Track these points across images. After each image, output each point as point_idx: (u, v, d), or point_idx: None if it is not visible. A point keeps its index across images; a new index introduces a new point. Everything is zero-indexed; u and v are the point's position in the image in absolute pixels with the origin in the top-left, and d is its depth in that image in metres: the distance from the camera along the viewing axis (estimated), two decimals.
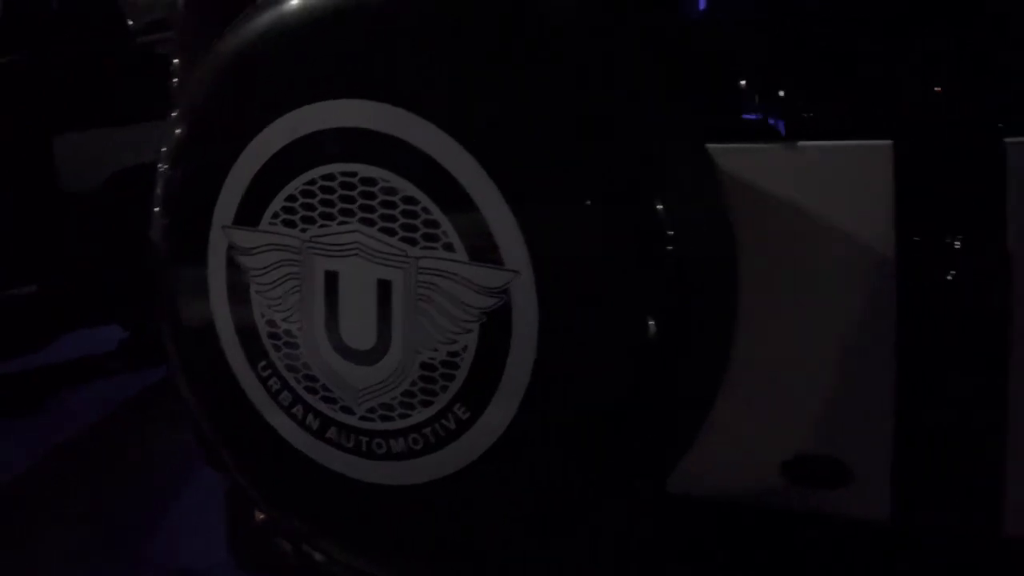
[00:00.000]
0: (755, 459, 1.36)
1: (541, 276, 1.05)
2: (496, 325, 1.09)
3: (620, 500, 1.20)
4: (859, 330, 1.27)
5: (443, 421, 1.16)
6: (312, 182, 1.17)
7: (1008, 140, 1.15)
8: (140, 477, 3.63)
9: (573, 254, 1.05)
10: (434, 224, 1.10)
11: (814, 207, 1.25)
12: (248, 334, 1.27)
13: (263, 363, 1.27)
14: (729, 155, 1.27)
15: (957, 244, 1.19)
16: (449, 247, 1.10)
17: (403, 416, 1.18)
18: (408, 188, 1.11)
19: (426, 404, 1.16)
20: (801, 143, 1.24)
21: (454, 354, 1.12)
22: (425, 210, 1.10)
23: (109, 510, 3.30)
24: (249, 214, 1.22)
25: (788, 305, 1.28)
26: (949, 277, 1.21)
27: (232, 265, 1.25)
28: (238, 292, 1.26)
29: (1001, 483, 1.25)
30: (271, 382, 1.27)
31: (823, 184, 1.24)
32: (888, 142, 1.19)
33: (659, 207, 1.07)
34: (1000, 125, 1.15)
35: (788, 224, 1.26)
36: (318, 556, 1.82)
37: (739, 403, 1.34)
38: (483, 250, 1.07)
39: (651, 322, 1.07)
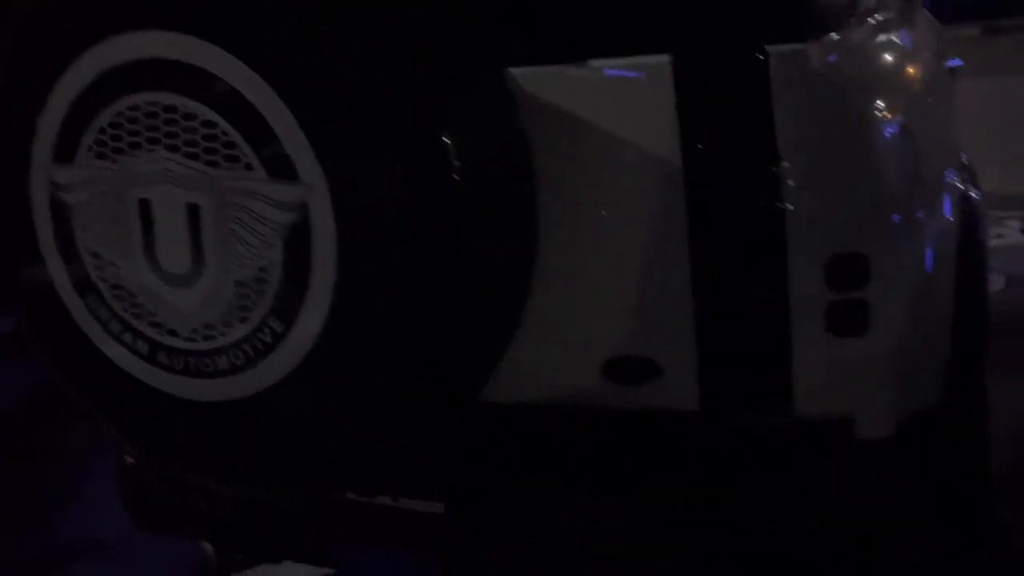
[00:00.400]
0: (573, 363, 1.46)
1: (335, 191, 1.12)
2: (298, 240, 1.16)
3: (431, 410, 1.28)
4: (655, 236, 1.37)
5: (260, 335, 1.23)
6: (120, 114, 1.22)
7: (771, 49, 1.26)
8: (51, 457, 3.62)
9: (363, 170, 1.13)
10: (233, 146, 1.16)
11: (608, 121, 1.34)
12: (76, 269, 1.32)
13: (93, 296, 1.32)
14: (527, 77, 1.35)
15: (733, 149, 1.30)
16: (249, 167, 1.17)
17: (224, 334, 1.25)
18: (207, 113, 1.17)
19: (243, 320, 1.23)
20: (590, 62, 1.33)
21: (263, 270, 1.19)
22: (224, 133, 1.17)
23: (18, 489, 3.30)
24: (65, 151, 1.27)
25: (589, 217, 1.38)
26: (729, 180, 1.31)
27: (55, 201, 1.30)
28: (63, 228, 1.31)
29: (789, 368, 1.37)
30: (101, 313, 1.32)
31: (613, 99, 1.34)
32: (666, 58, 1.29)
33: (445, 128, 1.15)
34: (764, 35, 1.26)
35: (586, 138, 1.35)
36: (203, 506, 1.88)
37: (555, 312, 1.44)
38: (278, 167, 1.14)
39: (444, 237, 1.15)
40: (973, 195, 1.81)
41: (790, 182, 1.28)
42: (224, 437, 1.32)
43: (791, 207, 1.29)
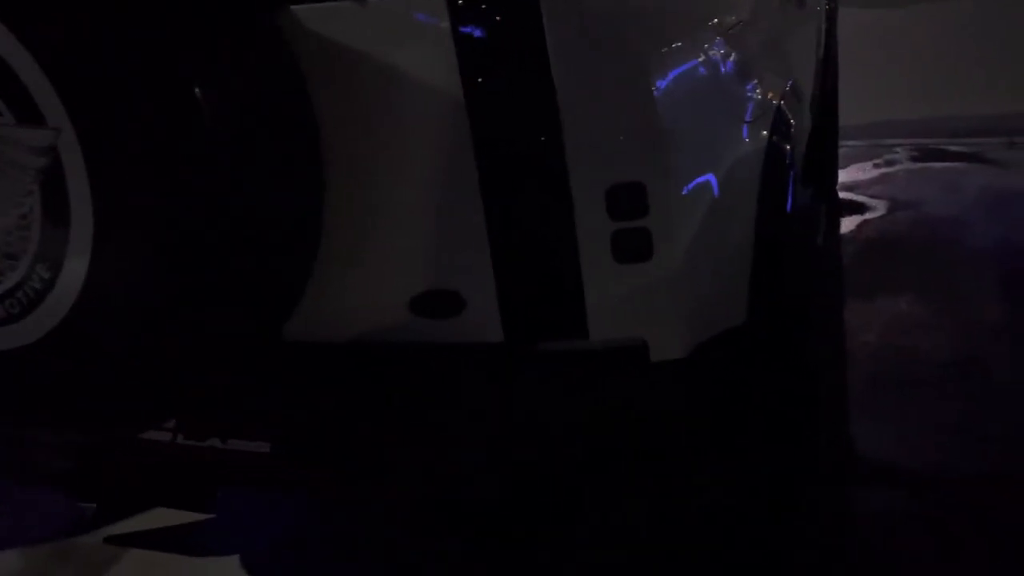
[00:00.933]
0: (380, 300, 1.48)
1: (83, 136, 1.12)
2: (54, 185, 1.15)
3: (226, 349, 1.30)
4: (444, 169, 1.38)
5: (31, 283, 1.22)
6: None
7: None
8: None
9: (109, 113, 1.12)
10: None
11: (388, 54, 1.34)
12: None
13: None
14: (306, 14, 1.34)
15: (511, 80, 1.31)
16: None
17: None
18: None
19: (14, 269, 1.22)
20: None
21: (24, 216, 1.18)
22: None
23: None
24: None
25: (377, 152, 1.38)
26: (509, 112, 1.33)
27: None
28: None
29: (582, 296, 1.41)
30: None
31: (391, 32, 1.34)
32: None
33: (195, 68, 1.14)
34: None
35: (368, 74, 1.35)
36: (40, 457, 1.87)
37: (356, 249, 1.45)
38: (26, 112, 1.13)
39: (199, 179, 1.16)
40: (789, 121, 1.86)
41: (566, 112, 1.31)
42: (14, 385, 1.32)
43: (569, 138, 1.32)
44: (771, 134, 1.75)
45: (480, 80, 1.31)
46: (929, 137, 5.06)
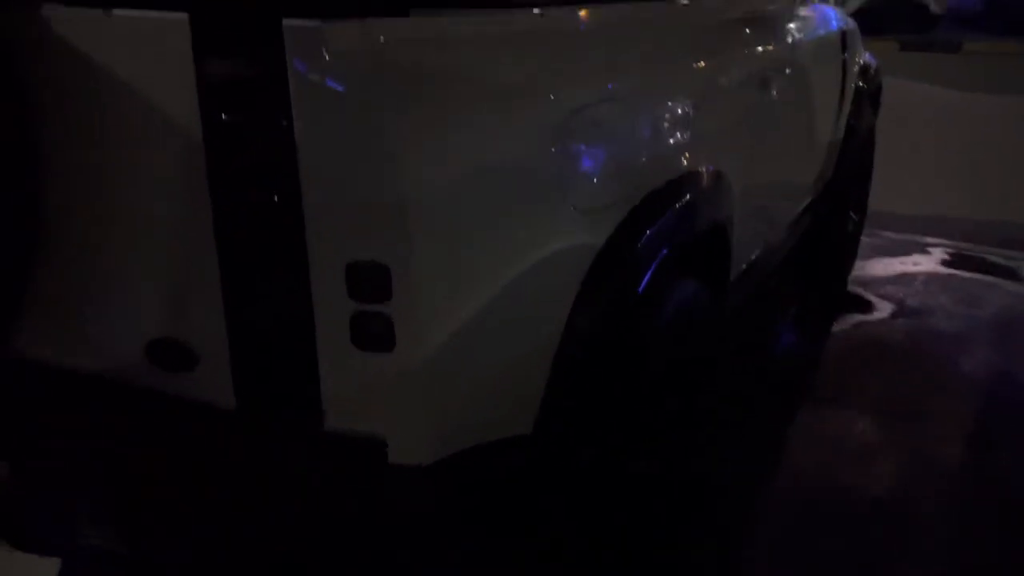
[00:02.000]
0: (118, 337, 1.35)
1: None
2: None
3: None
4: (181, 212, 1.25)
5: None
6: None
7: (286, 22, 1.12)
8: None
9: None
10: None
11: (132, 80, 1.21)
12: None
13: None
14: (54, 19, 1.22)
15: (252, 132, 1.16)
16: None
17: None
18: None
19: None
20: (115, 11, 1.20)
21: None
22: None
23: None
24: None
25: (111, 169, 1.26)
26: (248, 166, 1.18)
27: None
28: None
29: (317, 378, 1.25)
30: None
31: (136, 52, 1.21)
32: (184, 15, 1.15)
33: None
34: (279, 6, 1.12)
35: (111, 94, 1.22)
36: None
37: (94, 280, 1.33)
38: None
39: None
40: (684, 208, 1.67)
41: (308, 172, 1.15)
42: None
43: (309, 201, 1.16)
44: (628, 223, 1.56)
45: (219, 123, 1.17)
46: (973, 242, 4.70)
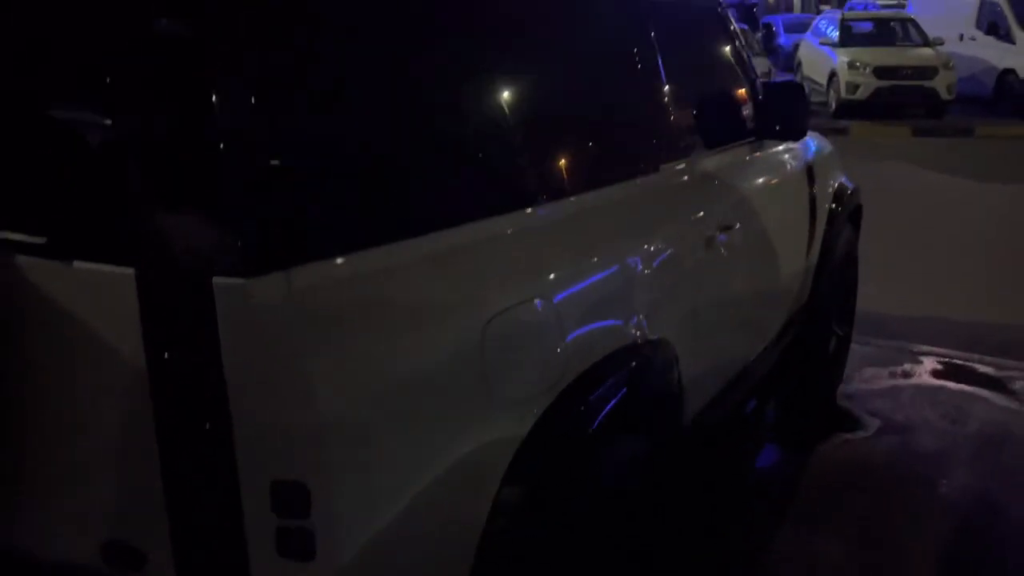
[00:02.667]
0: (75, 537, 1.50)
1: None
2: None
3: None
4: (127, 432, 1.40)
5: None
6: None
7: (215, 280, 1.29)
8: None
9: None
10: None
11: (81, 320, 1.38)
12: None
13: None
14: (27, 266, 1.40)
15: (188, 367, 1.32)
16: None
17: None
18: None
19: None
20: (67, 262, 1.38)
21: None
22: None
23: None
24: None
25: (69, 399, 1.42)
26: (186, 396, 1.34)
27: None
28: None
29: None
30: None
31: (90, 298, 1.38)
32: (131, 270, 1.33)
33: None
34: (210, 265, 1.29)
35: (67, 326, 1.39)
36: None
37: (61, 488, 1.48)
38: None
39: None
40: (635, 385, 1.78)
41: (236, 399, 1.31)
42: None
43: (238, 423, 1.32)
44: (556, 407, 1.69)
45: (161, 361, 1.33)
46: (968, 348, 4.75)
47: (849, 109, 13.71)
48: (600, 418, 1.80)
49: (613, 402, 1.85)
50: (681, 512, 2.44)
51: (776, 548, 2.96)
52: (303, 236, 1.35)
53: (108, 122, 1.36)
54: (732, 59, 3.05)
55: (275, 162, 1.32)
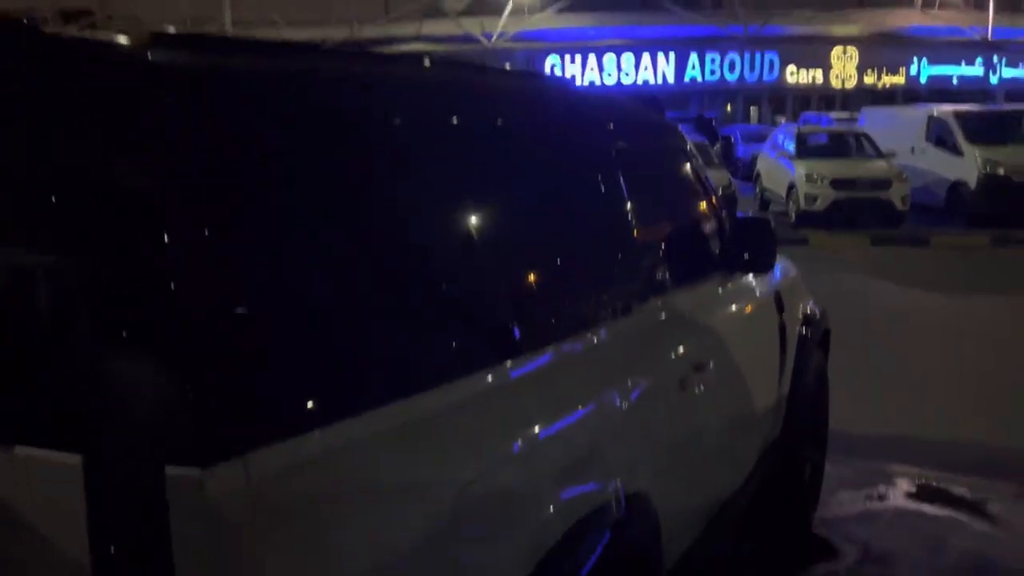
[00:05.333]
0: None
1: None
2: None
3: None
4: None
5: None
6: None
7: (168, 470, 1.21)
8: None
9: None
10: None
11: (26, 512, 1.29)
12: None
13: None
14: None
15: (135, 558, 1.23)
16: None
17: None
18: None
19: None
20: (16, 447, 1.29)
21: None
22: None
23: None
24: None
25: None
26: None
27: None
28: None
29: None
30: None
31: (32, 487, 1.29)
32: (78, 457, 1.24)
33: None
34: (161, 452, 1.21)
35: (6, 517, 1.29)
36: None
37: None
38: None
39: None
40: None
41: None
42: None
43: None
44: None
45: (106, 555, 1.23)
46: (937, 468, 4.71)
47: (808, 219, 14.05)
48: None
49: (593, 561, 1.77)
50: None
51: None
52: (262, 416, 1.28)
53: (51, 295, 1.29)
54: (697, 194, 3.08)
55: (231, 334, 1.26)
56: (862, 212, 13.94)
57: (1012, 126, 15.10)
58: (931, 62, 31.90)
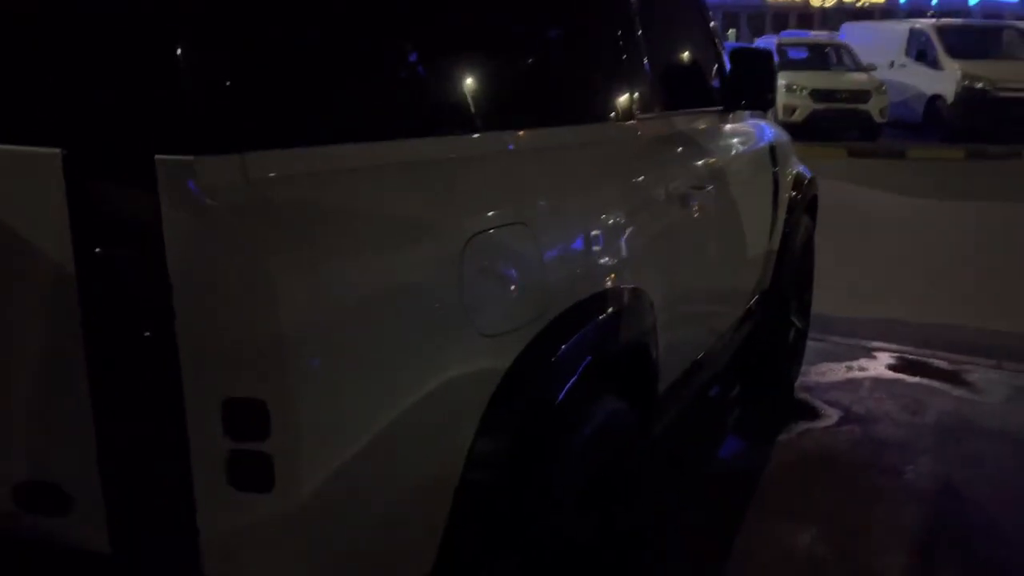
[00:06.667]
0: None
1: None
2: None
3: None
4: (49, 347, 1.20)
5: None
6: None
7: (158, 157, 1.10)
8: None
9: None
10: None
11: (4, 206, 1.18)
12: None
13: None
14: None
15: (123, 263, 1.13)
16: None
17: None
18: None
19: None
20: None
21: None
22: None
23: None
24: None
25: None
26: (121, 297, 1.15)
27: None
28: None
29: (194, 521, 1.19)
30: None
31: (8, 185, 1.18)
32: (58, 150, 1.14)
33: None
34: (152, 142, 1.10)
35: None
36: None
37: None
38: None
39: None
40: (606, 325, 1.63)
41: (182, 301, 1.12)
42: None
43: (183, 331, 1.13)
44: (536, 345, 1.54)
45: (92, 255, 1.13)
46: (918, 346, 4.74)
47: (788, 130, 13.94)
48: (582, 366, 1.65)
49: (594, 349, 1.71)
50: (650, 489, 2.30)
51: (747, 536, 2.84)
52: (264, 119, 1.17)
53: None
54: (705, 33, 2.98)
55: (234, 27, 1.14)
56: (840, 124, 13.86)
57: (992, 41, 14.99)
58: None
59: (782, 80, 14.33)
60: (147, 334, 1.13)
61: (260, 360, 1.12)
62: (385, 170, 1.34)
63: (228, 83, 1.12)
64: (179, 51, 1.09)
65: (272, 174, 1.16)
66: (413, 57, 1.47)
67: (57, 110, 1.13)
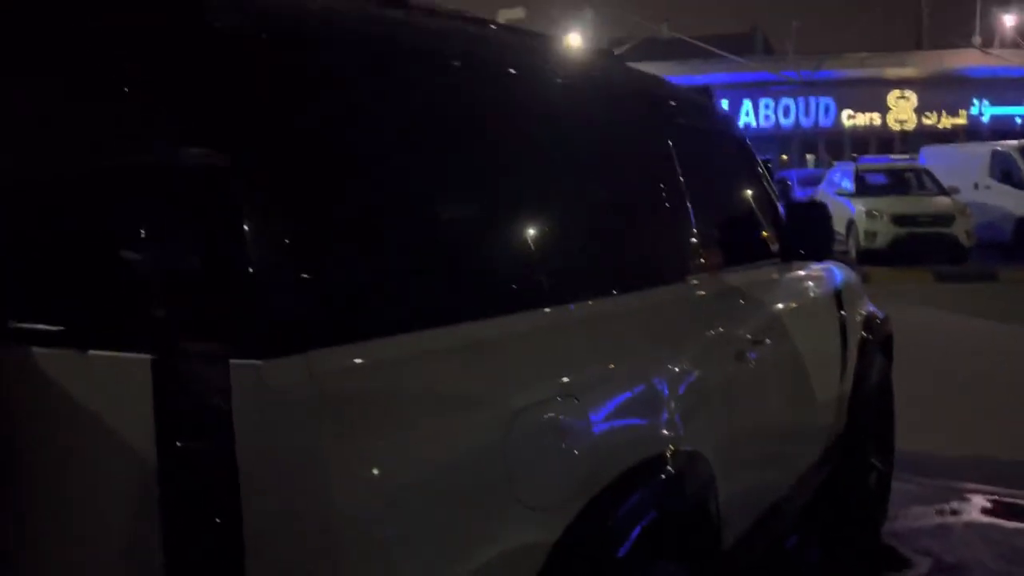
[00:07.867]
0: None
1: None
2: None
3: None
4: (131, 530, 1.32)
5: None
6: None
7: (232, 362, 1.24)
8: None
9: None
10: None
11: (96, 410, 1.33)
12: None
13: None
14: (43, 357, 1.37)
15: (202, 461, 1.26)
16: None
17: None
18: None
19: None
20: (87, 351, 1.34)
21: None
22: None
23: None
24: None
25: (76, 492, 1.35)
26: (198, 493, 1.26)
27: None
28: None
29: None
30: None
31: (101, 388, 1.33)
32: (148, 357, 1.29)
33: None
34: (228, 349, 1.25)
35: (79, 415, 1.34)
36: None
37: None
38: None
39: None
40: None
41: (248, 500, 1.23)
42: None
43: (249, 526, 1.23)
44: (586, 515, 1.60)
45: (172, 450, 1.26)
46: (1014, 486, 4.53)
47: (869, 257, 13.78)
48: (635, 534, 1.69)
49: (648, 516, 1.74)
50: None
51: None
52: (324, 319, 1.31)
53: (124, 204, 1.35)
54: (756, 184, 3.08)
55: (295, 241, 1.30)
56: (925, 248, 13.64)
57: None
58: (993, 103, 31.34)
59: (862, 205, 14.30)
60: (216, 520, 1.24)
61: (318, 547, 1.22)
62: (436, 355, 1.45)
63: (294, 299, 1.28)
64: (252, 272, 1.25)
65: (329, 370, 1.29)
66: (464, 249, 1.61)
67: (147, 322, 1.29)
